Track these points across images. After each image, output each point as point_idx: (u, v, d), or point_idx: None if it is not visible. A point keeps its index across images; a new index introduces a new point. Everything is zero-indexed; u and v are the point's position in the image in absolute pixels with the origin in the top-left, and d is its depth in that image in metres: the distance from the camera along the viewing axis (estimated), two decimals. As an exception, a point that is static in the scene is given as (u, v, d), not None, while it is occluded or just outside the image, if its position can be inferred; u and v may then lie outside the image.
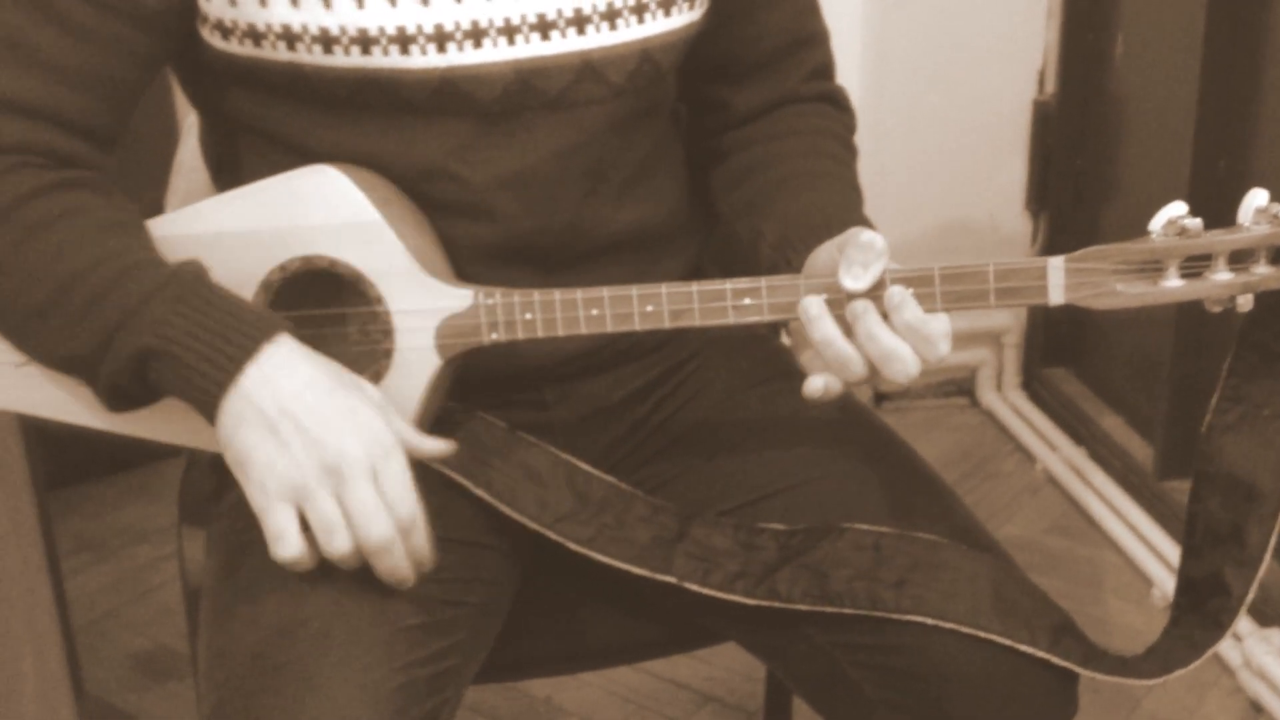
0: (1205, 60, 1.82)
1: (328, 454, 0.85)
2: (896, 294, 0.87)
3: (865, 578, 0.95)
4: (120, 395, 0.91)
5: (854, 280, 0.87)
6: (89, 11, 0.90)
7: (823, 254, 0.94)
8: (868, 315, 0.87)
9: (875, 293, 0.87)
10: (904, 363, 0.86)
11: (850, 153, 1.10)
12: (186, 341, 0.87)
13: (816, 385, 0.89)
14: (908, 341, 0.86)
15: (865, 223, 1.00)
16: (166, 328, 0.87)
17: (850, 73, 1.14)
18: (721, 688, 1.72)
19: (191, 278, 0.89)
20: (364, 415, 0.86)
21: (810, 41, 1.10)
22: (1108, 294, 0.87)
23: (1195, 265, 0.86)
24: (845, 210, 1.01)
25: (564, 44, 0.94)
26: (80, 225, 0.90)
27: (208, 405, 0.87)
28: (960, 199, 2.26)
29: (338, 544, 0.85)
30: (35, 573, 1.33)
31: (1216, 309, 0.87)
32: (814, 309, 0.88)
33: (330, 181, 0.92)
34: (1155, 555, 1.91)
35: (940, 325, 0.86)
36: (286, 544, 0.85)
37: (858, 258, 0.87)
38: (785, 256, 0.98)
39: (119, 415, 0.94)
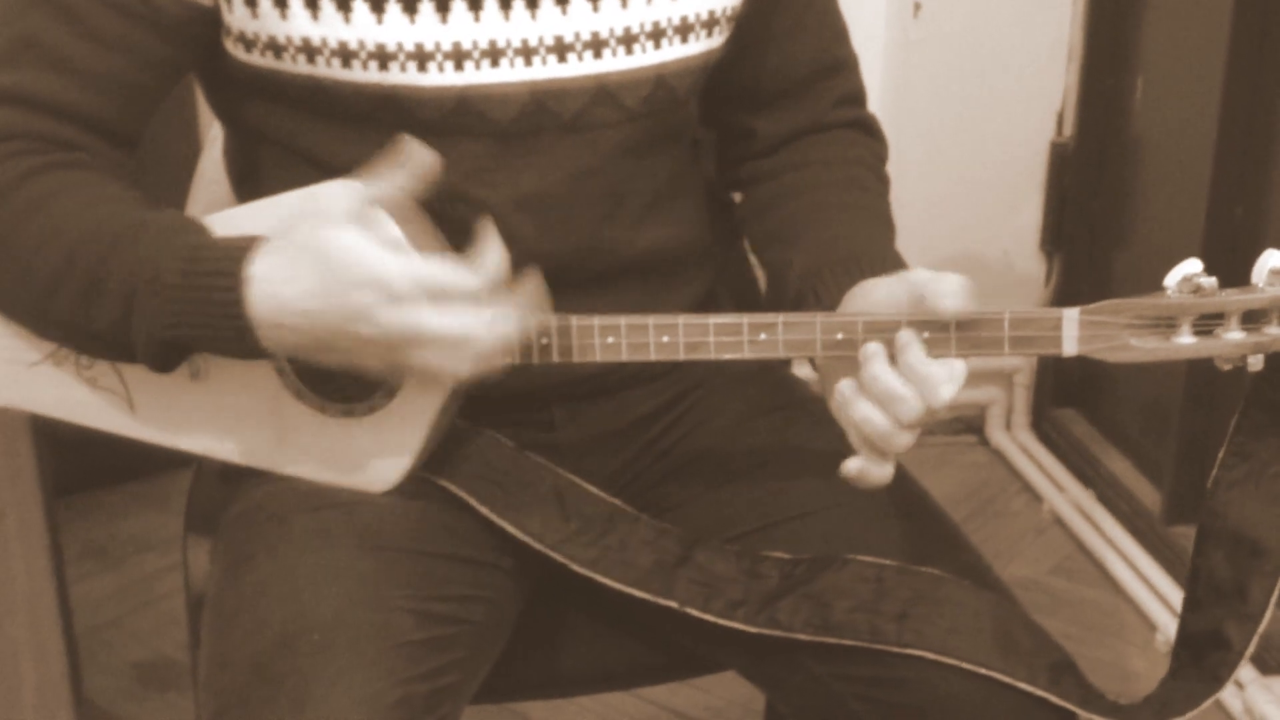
0: (1224, 107, 1.82)
1: (385, 346, 0.84)
2: (903, 336, 0.87)
3: (867, 610, 0.95)
4: (168, 364, 0.92)
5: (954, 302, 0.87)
6: (109, 17, 0.91)
7: (878, 294, 0.93)
8: (875, 358, 0.87)
9: (887, 335, 0.88)
10: (906, 404, 0.86)
11: (882, 182, 1.10)
12: (183, 323, 0.87)
13: (852, 467, 0.89)
14: (910, 384, 0.86)
15: (896, 256, 1.00)
16: (162, 316, 0.87)
17: (870, 106, 1.14)
18: (720, 717, 1.71)
19: (161, 242, 0.88)
20: (370, 299, 0.84)
21: (838, 69, 1.10)
22: (1121, 348, 0.87)
23: (1208, 323, 0.87)
24: (875, 243, 1.01)
25: (580, 67, 0.95)
26: (74, 201, 0.91)
27: (250, 353, 0.88)
28: (976, 237, 2.26)
29: (468, 355, 0.85)
30: (41, 577, 1.33)
31: (1227, 367, 0.88)
32: (871, 349, 0.87)
33: (353, 194, 0.93)
34: (1160, 600, 1.90)
35: (940, 370, 0.86)
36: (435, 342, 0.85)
37: (946, 290, 0.87)
38: (812, 287, 0.98)
39: (130, 420, 0.95)
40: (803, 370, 1.14)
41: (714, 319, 0.91)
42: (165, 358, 0.91)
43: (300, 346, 0.87)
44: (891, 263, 0.99)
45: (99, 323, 0.90)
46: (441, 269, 0.84)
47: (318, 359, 0.88)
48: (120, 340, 0.90)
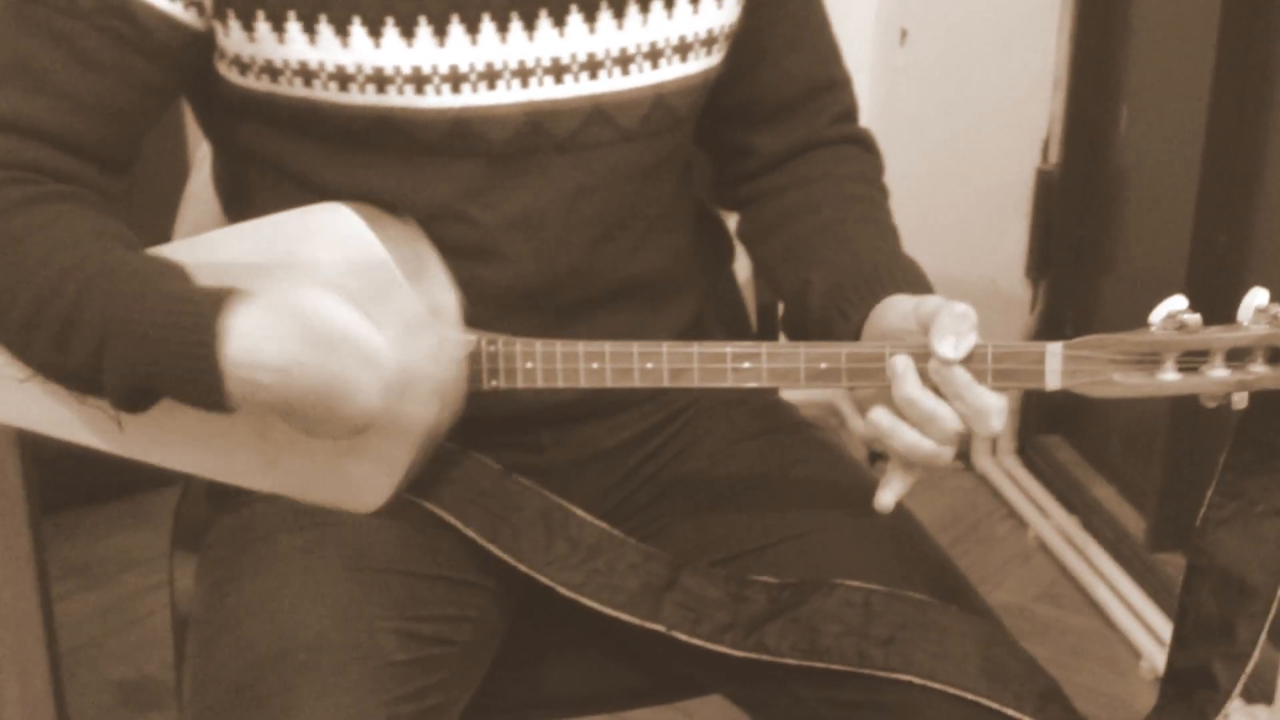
0: (1209, 135, 1.84)
1: (352, 426, 0.88)
2: (899, 363, 0.88)
3: (854, 634, 0.95)
4: (136, 407, 0.92)
5: (952, 350, 0.88)
6: (100, 40, 0.91)
7: (892, 316, 0.94)
8: (905, 378, 0.88)
9: (874, 365, 0.89)
10: (945, 420, 0.88)
11: (883, 194, 1.11)
12: (154, 367, 0.87)
13: (887, 501, 0.92)
14: (907, 416, 0.88)
15: (912, 266, 1.01)
16: (132, 360, 0.88)
17: (855, 131, 1.15)
18: (705, 741, 1.71)
19: (131, 292, 0.89)
20: (355, 377, 0.85)
21: (833, 87, 1.11)
22: (1104, 383, 0.88)
23: (1193, 360, 0.87)
24: (890, 257, 1.01)
25: (576, 88, 0.96)
26: (56, 235, 0.91)
27: (219, 408, 0.88)
28: (962, 262, 2.27)
29: (407, 449, 0.90)
30: (25, 596, 1.32)
31: (1212, 404, 0.89)
32: (900, 367, 0.88)
33: (342, 220, 0.93)
34: (1144, 627, 1.90)
35: (987, 395, 0.88)
36: None
37: (953, 327, 0.88)
38: (838, 307, 0.98)
39: (119, 436, 0.95)
40: (792, 394, 1.14)
41: (698, 347, 0.91)
42: (134, 400, 0.91)
43: (267, 405, 0.88)
44: (910, 273, 1.00)
45: (71, 362, 0.90)
46: (415, 361, 0.87)
47: (282, 417, 0.89)
48: (92, 380, 0.90)
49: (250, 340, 0.85)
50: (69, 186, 0.93)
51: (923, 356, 0.88)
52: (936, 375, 0.88)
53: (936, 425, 0.88)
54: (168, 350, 0.87)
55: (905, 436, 0.89)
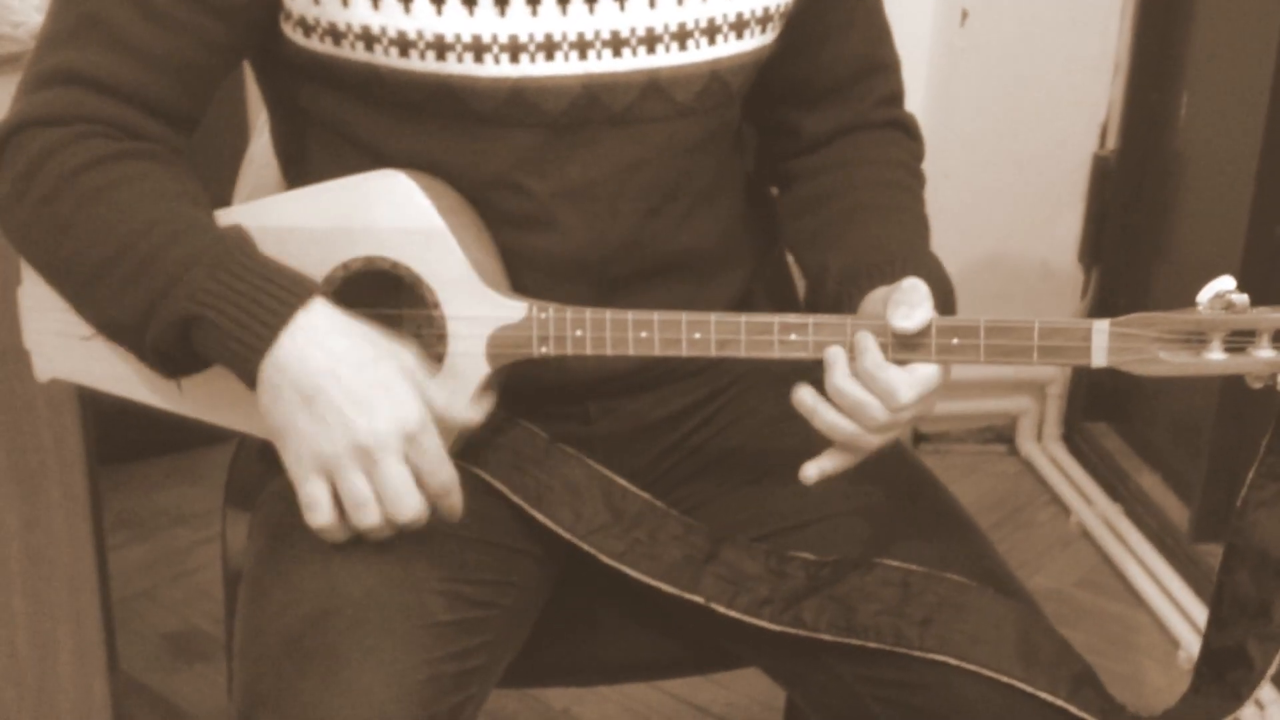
0: (1268, 125, 1.82)
1: (359, 433, 0.87)
2: (861, 340, 0.89)
3: (891, 613, 0.96)
4: (169, 361, 0.93)
5: (904, 320, 0.89)
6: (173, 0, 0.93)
7: (877, 296, 0.96)
8: (835, 367, 0.90)
9: (918, 340, 0.89)
10: (870, 409, 0.89)
11: (919, 182, 1.11)
12: (223, 307, 0.89)
13: (809, 473, 0.93)
14: (868, 388, 0.89)
15: (931, 259, 1.01)
16: (205, 294, 0.89)
17: (914, 110, 1.15)
18: (740, 714, 1.72)
19: (233, 243, 0.91)
20: (398, 390, 0.88)
21: (882, 69, 1.11)
22: (1150, 361, 0.88)
23: (1239, 340, 0.87)
24: (911, 247, 1.02)
25: (634, 61, 0.96)
26: (138, 190, 0.93)
27: (247, 374, 0.90)
28: (1014, 245, 2.26)
29: (366, 519, 0.89)
30: (81, 545, 1.35)
31: (1257, 385, 0.88)
32: (832, 357, 0.90)
33: (399, 187, 0.94)
34: (1184, 617, 1.90)
35: (895, 376, 0.89)
36: (318, 513, 0.89)
37: (905, 299, 0.89)
38: (849, 292, 0.99)
39: (178, 395, 0.97)
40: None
41: (745, 318, 0.92)
42: (169, 353, 0.92)
43: (292, 386, 0.88)
44: (928, 265, 1.00)
45: (128, 311, 0.91)
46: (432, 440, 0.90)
47: (284, 410, 0.89)
48: (138, 328, 0.91)
49: (317, 334, 0.88)
50: (142, 144, 0.95)
51: (963, 331, 0.89)
52: (825, 358, 0.90)
53: (864, 414, 0.89)
54: (238, 292, 0.89)
55: (825, 416, 0.91)
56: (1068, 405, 2.34)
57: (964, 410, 2.32)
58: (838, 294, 1.01)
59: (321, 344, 0.88)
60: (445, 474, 0.90)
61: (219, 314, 0.89)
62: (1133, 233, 2.22)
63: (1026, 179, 2.23)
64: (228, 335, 0.89)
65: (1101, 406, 2.31)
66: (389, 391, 0.88)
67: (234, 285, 0.89)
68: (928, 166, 1.14)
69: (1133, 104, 2.17)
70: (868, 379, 0.89)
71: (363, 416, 0.87)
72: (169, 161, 0.96)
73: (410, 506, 0.89)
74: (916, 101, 1.16)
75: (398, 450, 0.88)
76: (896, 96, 1.13)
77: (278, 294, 0.89)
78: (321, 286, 0.91)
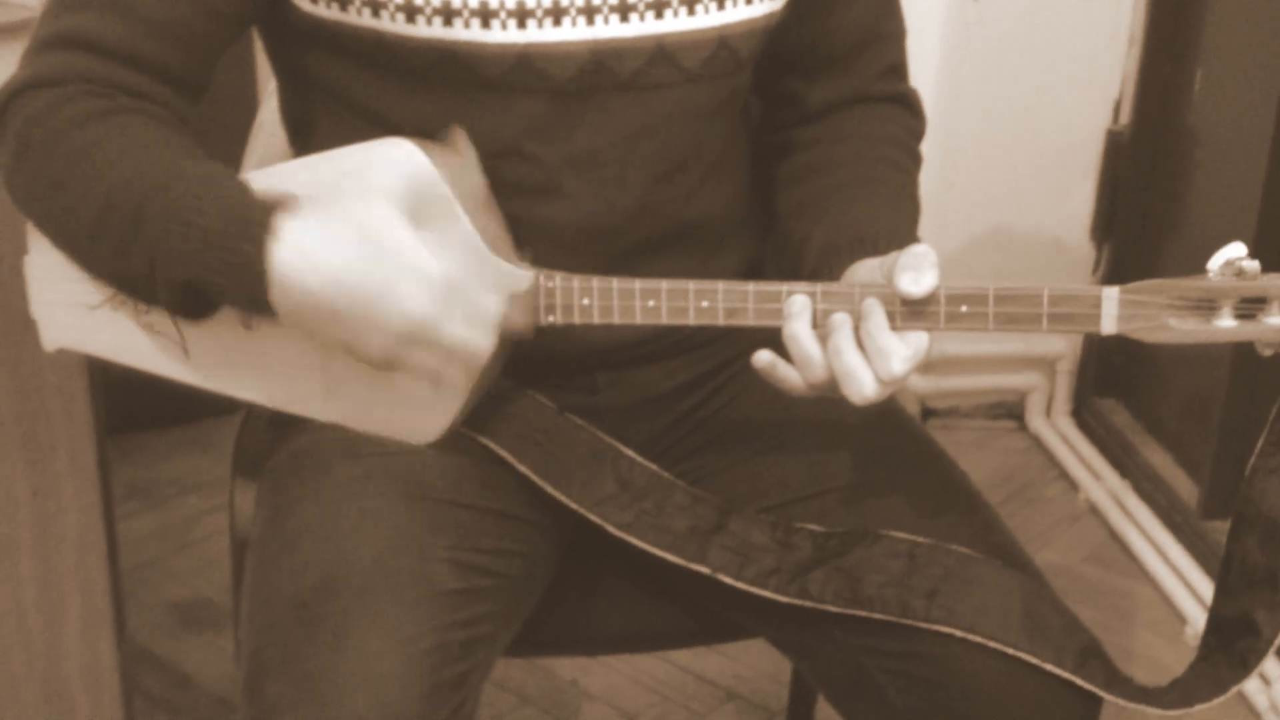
0: (1283, 101, 1.81)
1: (396, 325, 0.85)
2: (868, 304, 0.89)
3: (897, 585, 0.96)
4: (193, 313, 0.93)
5: (913, 284, 0.88)
6: None
7: (861, 271, 0.95)
8: (841, 330, 0.88)
9: (919, 307, 0.89)
10: (860, 384, 0.87)
11: (914, 161, 1.10)
12: (208, 261, 0.87)
13: (763, 358, 0.91)
14: (866, 350, 0.88)
15: (915, 238, 1.00)
16: (190, 256, 0.87)
17: (926, 84, 1.14)
18: (746, 686, 1.73)
19: (201, 187, 0.88)
20: (405, 284, 0.85)
21: (886, 38, 1.11)
22: (1160, 328, 0.87)
23: (1250, 307, 0.87)
24: (895, 227, 1.01)
25: (641, 27, 0.96)
26: (119, 145, 0.91)
27: (268, 318, 0.88)
28: (1026, 220, 2.25)
29: (453, 379, 0.89)
30: (90, 513, 1.35)
31: (1268, 352, 0.88)
32: (796, 306, 0.89)
33: (406, 154, 0.94)
34: (1192, 593, 1.90)
35: (895, 343, 0.87)
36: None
37: (912, 264, 0.88)
38: (829, 264, 0.99)
39: (185, 365, 0.96)
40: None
41: (753, 286, 0.92)
42: (186, 304, 0.91)
43: (313, 311, 0.86)
44: (908, 243, 0.99)
45: (133, 267, 0.90)
46: (473, 284, 0.87)
47: (322, 331, 0.88)
48: (150, 286, 0.91)
49: (303, 243, 0.85)
50: (142, 102, 0.94)
51: (972, 299, 0.88)
52: (829, 324, 0.89)
53: (810, 369, 0.89)
54: (221, 248, 0.86)
55: (783, 371, 0.91)
56: (1077, 381, 2.33)
57: (973, 386, 2.32)
58: (815, 267, 1.00)
59: (313, 265, 0.85)
60: (491, 306, 0.89)
61: (209, 270, 0.87)
62: (1145, 208, 2.21)
63: (1039, 154, 2.22)
64: (224, 292, 0.88)
65: (1111, 383, 2.31)
66: (397, 287, 0.85)
67: (211, 241, 0.86)
68: (940, 137, 1.13)
69: (1146, 79, 2.16)
70: (866, 340, 0.88)
71: (390, 308, 0.85)
72: (155, 115, 0.94)
73: (478, 348, 0.88)
74: (929, 76, 1.15)
75: (441, 312, 0.86)
76: (899, 67, 1.12)
77: (249, 231, 0.86)
78: (286, 201, 0.87)
